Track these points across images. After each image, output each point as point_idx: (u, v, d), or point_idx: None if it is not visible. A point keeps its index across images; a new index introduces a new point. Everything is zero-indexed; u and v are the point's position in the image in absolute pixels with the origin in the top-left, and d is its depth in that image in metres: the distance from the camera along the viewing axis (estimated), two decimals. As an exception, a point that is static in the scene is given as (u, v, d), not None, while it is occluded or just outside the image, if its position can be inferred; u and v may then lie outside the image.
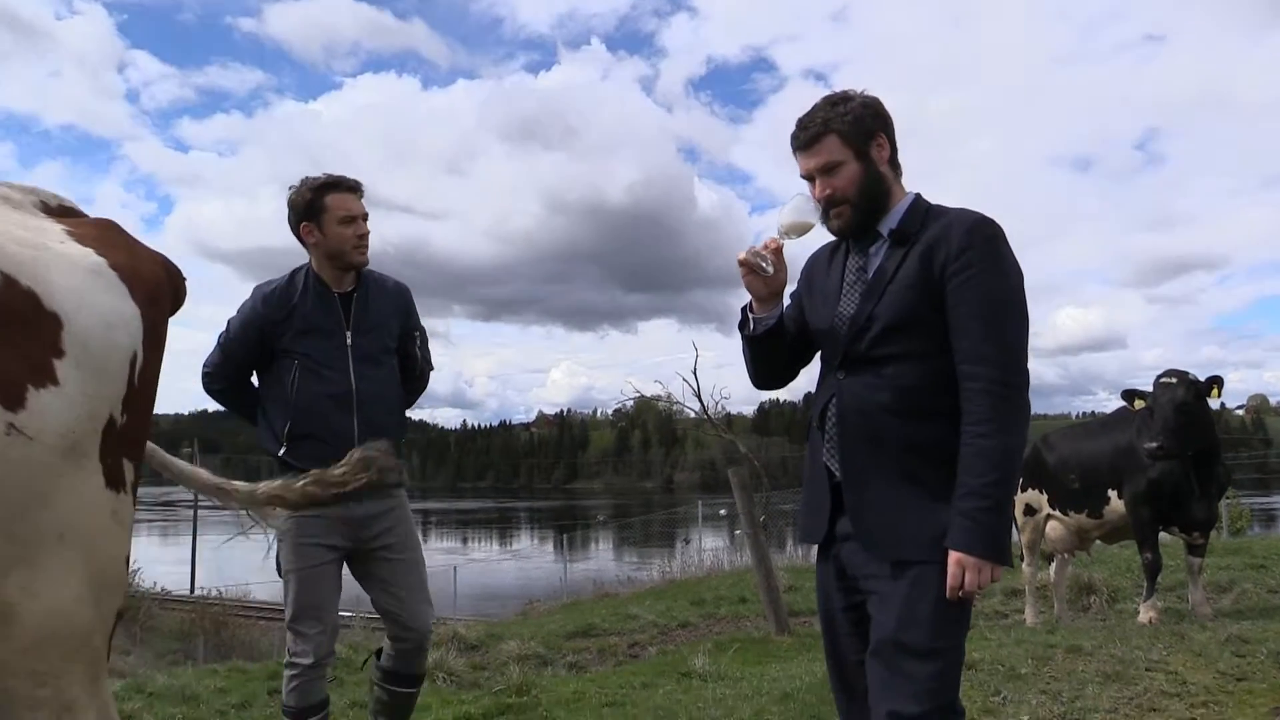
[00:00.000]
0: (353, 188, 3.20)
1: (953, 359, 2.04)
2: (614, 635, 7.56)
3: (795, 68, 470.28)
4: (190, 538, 34.77)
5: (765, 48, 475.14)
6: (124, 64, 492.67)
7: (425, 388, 3.59)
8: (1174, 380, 5.39)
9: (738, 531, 11.73)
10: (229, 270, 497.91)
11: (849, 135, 2.15)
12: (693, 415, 17.29)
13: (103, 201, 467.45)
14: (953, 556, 1.95)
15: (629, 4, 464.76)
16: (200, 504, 38.36)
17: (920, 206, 2.19)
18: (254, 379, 3.34)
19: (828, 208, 2.17)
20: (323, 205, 3.14)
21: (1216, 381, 5.45)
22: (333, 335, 3.18)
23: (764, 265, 2.17)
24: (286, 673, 3.15)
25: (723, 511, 21.28)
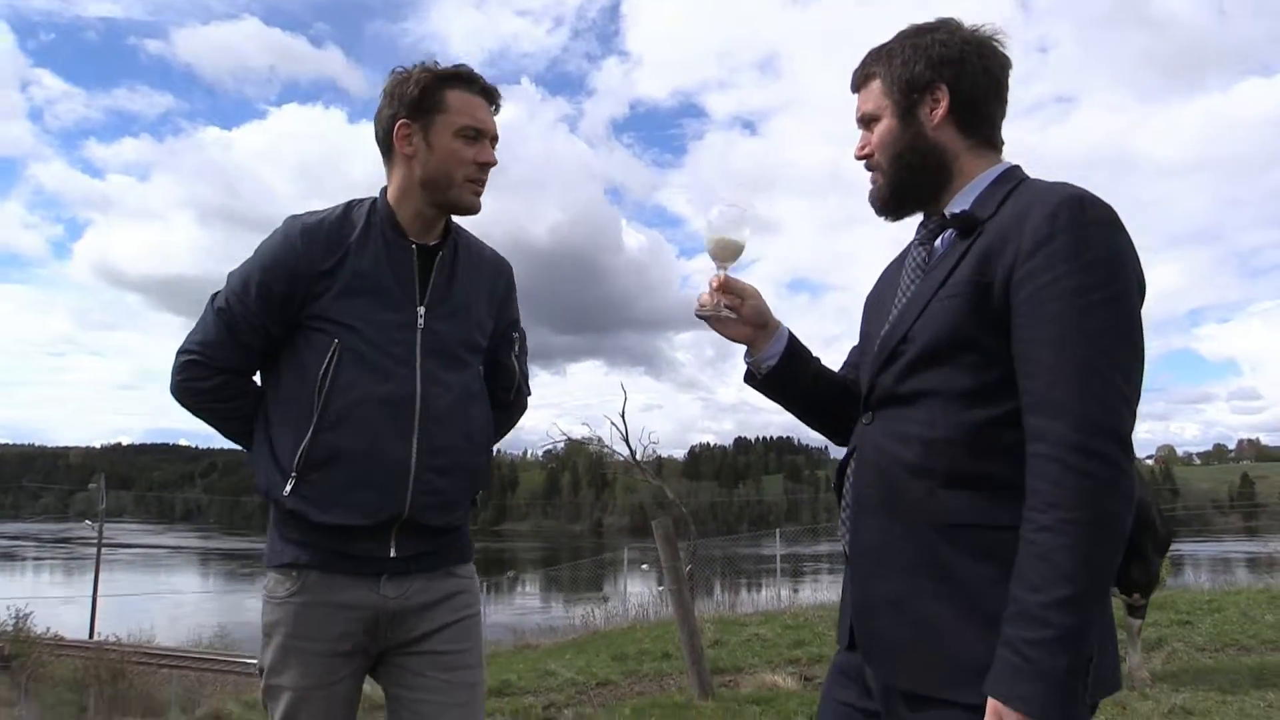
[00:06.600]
0: (488, 92, 2.12)
1: (1018, 405, 1.39)
2: (530, 695, 7.15)
3: (723, 114, 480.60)
4: (92, 578, 33.10)
5: (695, 93, 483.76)
6: (27, 82, 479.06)
7: (520, 417, 2.43)
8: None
9: (660, 588, 11.40)
10: (140, 299, 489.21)
11: (891, 82, 1.60)
12: (622, 459, 17.07)
13: (5, 222, 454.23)
14: (990, 705, 1.29)
15: (561, 46, 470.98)
16: (105, 542, 36.73)
17: (1007, 182, 1.54)
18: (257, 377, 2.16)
19: (869, 170, 1.67)
20: (440, 102, 2.05)
21: None
22: (397, 305, 2.05)
23: (720, 310, 1.71)
24: None
25: (645, 566, 20.80)
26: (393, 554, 2.01)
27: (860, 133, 1.68)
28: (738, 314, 1.72)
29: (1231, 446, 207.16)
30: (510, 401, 2.33)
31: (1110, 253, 1.37)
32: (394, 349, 2.02)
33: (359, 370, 1.98)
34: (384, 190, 2.14)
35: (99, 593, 31.36)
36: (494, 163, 2.11)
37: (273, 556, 2.05)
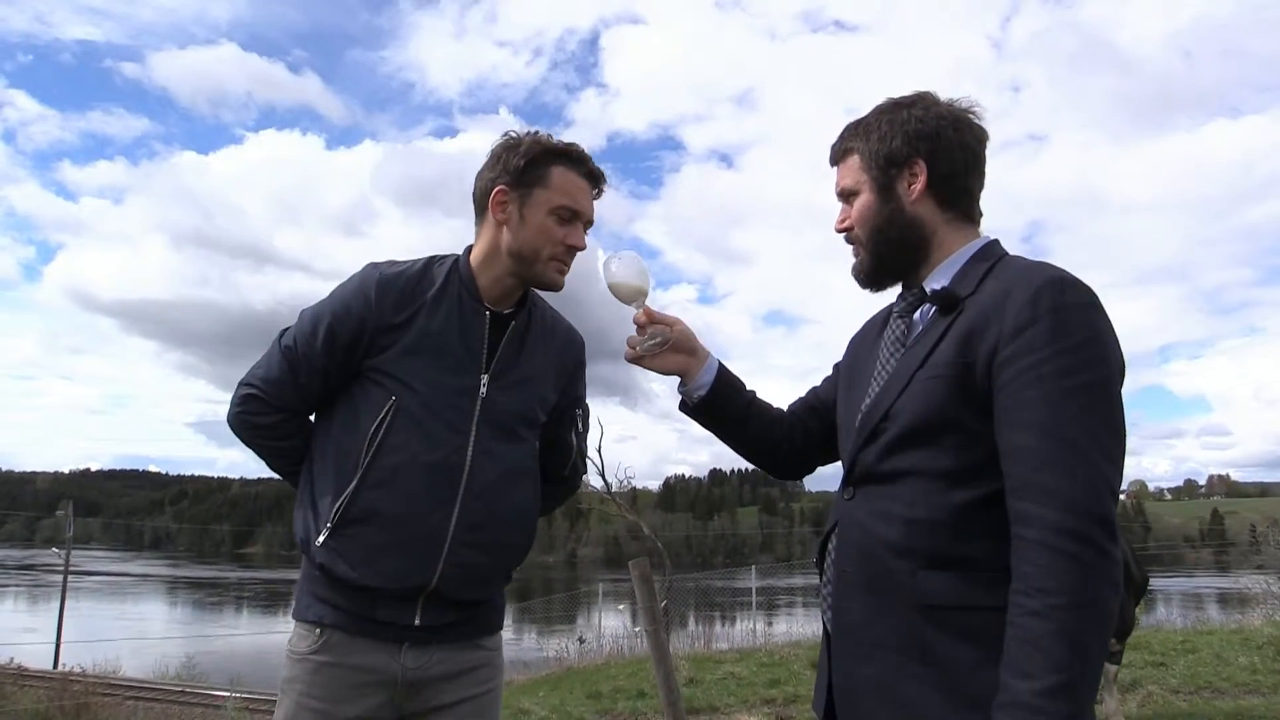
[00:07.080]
0: (594, 176, 2.07)
1: (1000, 486, 1.40)
2: (503, 734, 7.07)
3: (701, 147, 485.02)
4: (57, 606, 32.42)
5: (672, 126, 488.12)
6: (1, 103, 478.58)
7: (571, 494, 2.39)
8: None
9: (637, 629, 11.35)
10: (111, 323, 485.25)
11: (869, 158, 1.62)
12: (597, 491, 17.02)
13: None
14: None
15: (540, 77, 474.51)
16: (71, 569, 36.01)
17: (986, 258, 1.56)
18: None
19: (849, 243, 1.71)
20: (544, 176, 2.00)
21: None
22: (462, 370, 2.00)
23: (653, 342, 1.81)
24: None
25: (621, 607, 20.66)
26: (417, 622, 1.95)
27: (840, 206, 1.71)
28: (669, 340, 1.82)
29: (1201, 482, 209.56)
30: (564, 477, 2.28)
31: (1091, 336, 1.38)
32: (450, 415, 1.97)
33: (411, 432, 1.94)
34: (468, 250, 2.10)
35: (64, 621, 30.72)
36: (583, 247, 2.07)
37: (299, 610, 2.01)
